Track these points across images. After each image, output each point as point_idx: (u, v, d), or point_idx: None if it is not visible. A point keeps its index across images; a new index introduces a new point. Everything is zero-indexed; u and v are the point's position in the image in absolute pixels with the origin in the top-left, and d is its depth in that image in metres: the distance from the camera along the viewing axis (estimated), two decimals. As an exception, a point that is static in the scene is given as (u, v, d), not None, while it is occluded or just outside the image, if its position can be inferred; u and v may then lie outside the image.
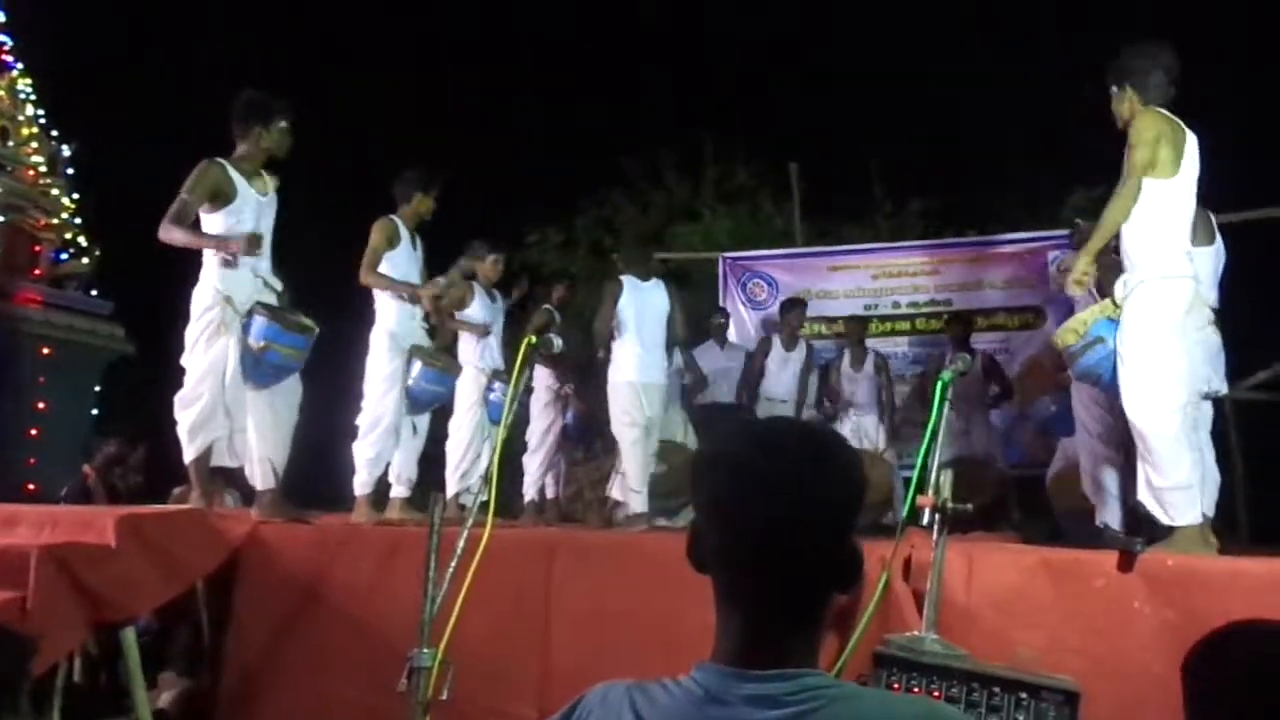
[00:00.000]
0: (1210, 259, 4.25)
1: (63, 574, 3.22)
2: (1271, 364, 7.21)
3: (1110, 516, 4.51)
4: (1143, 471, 3.68)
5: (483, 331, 6.05)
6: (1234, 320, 4.21)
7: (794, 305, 7.82)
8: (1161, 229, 3.70)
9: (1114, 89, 3.94)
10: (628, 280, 5.61)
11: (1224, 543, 3.75)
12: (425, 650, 2.74)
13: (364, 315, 5.22)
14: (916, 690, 2.63)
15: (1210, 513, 3.84)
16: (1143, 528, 4.00)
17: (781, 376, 7.64)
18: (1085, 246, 3.84)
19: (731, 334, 8.41)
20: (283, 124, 4.65)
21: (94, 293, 10.25)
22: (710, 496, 1.21)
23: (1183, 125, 3.77)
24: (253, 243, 4.46)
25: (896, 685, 2.66)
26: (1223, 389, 4.26)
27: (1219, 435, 4.20)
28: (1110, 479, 4.51)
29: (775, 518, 1.15)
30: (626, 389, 5.47)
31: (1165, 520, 3.61)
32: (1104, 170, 4.37)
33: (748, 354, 7.90)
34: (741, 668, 1.14)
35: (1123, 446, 4.27)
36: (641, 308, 5.57)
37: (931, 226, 11.27)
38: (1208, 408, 4.10)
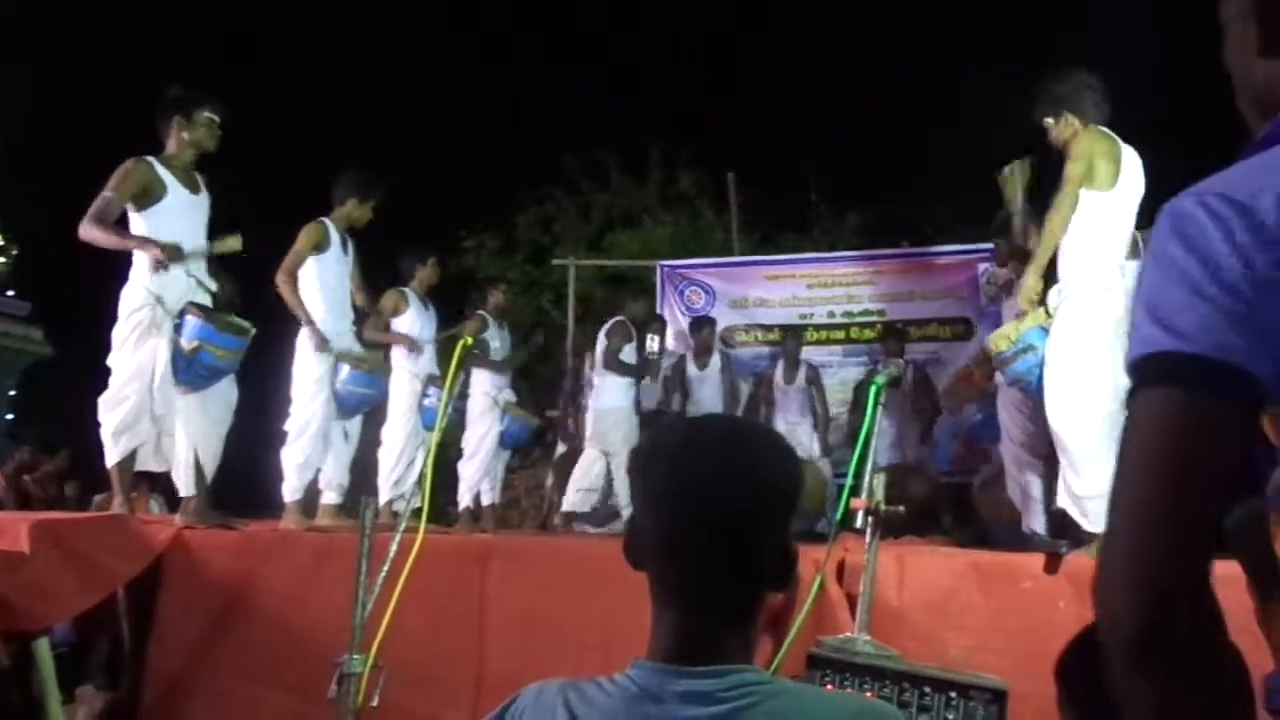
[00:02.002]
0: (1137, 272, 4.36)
1: (-28, 581, 3.11)
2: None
3: (1036, 523, 4.60)
4: (1065, 479, 3.77)
5: (410, 346, 5.97)
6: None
7: (703, 324, 7.95)
8: (1096, 241, 3.79)
9: (1048, 120, 4.02)
10: None
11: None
12: (356, 656, 2.70)
13: (294, 318, 5.12)
14: (849, 690, 2.64)
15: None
16: (1069, 533, 4.10)
17: (702, 392, 7.73)
18: (1031, 263, 3.92)
19: (670, 341, 8.45)
20: (207, 117, 4.52)
21: (10, 293, 9.94)
22: (646, 492, 1.22)
23: (1121, 142, 3.86)
24: (175, 253, 4.33)
25: (830, 685, 2.67)
26: None
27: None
28: (1035, 486, 4.59)
29: (710, 514, 1.15)
30: None
31: (1087, 527, 3.69)
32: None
33: (672, 367, 7.98)
34: (676, 665, 1.14)
35: (1046, 454, 4.36)
36: None
37: (867, 238, 11.45)
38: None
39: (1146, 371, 0.87)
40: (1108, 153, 3.80)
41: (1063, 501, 3.78)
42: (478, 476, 6.67)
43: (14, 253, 10.04)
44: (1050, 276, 3.99)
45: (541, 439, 8.86)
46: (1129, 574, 0.83)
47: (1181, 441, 0.84)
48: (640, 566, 1.22)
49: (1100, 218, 3.79)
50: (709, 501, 1.15)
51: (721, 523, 1.15)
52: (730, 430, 1.27)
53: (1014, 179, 4.54)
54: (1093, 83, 3.98)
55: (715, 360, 7.83)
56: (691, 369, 7.80)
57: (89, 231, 4.26)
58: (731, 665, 1.13)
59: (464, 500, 6.66)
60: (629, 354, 6.80)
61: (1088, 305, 3.74)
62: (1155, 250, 0.91)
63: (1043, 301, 3.98)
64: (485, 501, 6.81)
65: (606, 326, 6.98)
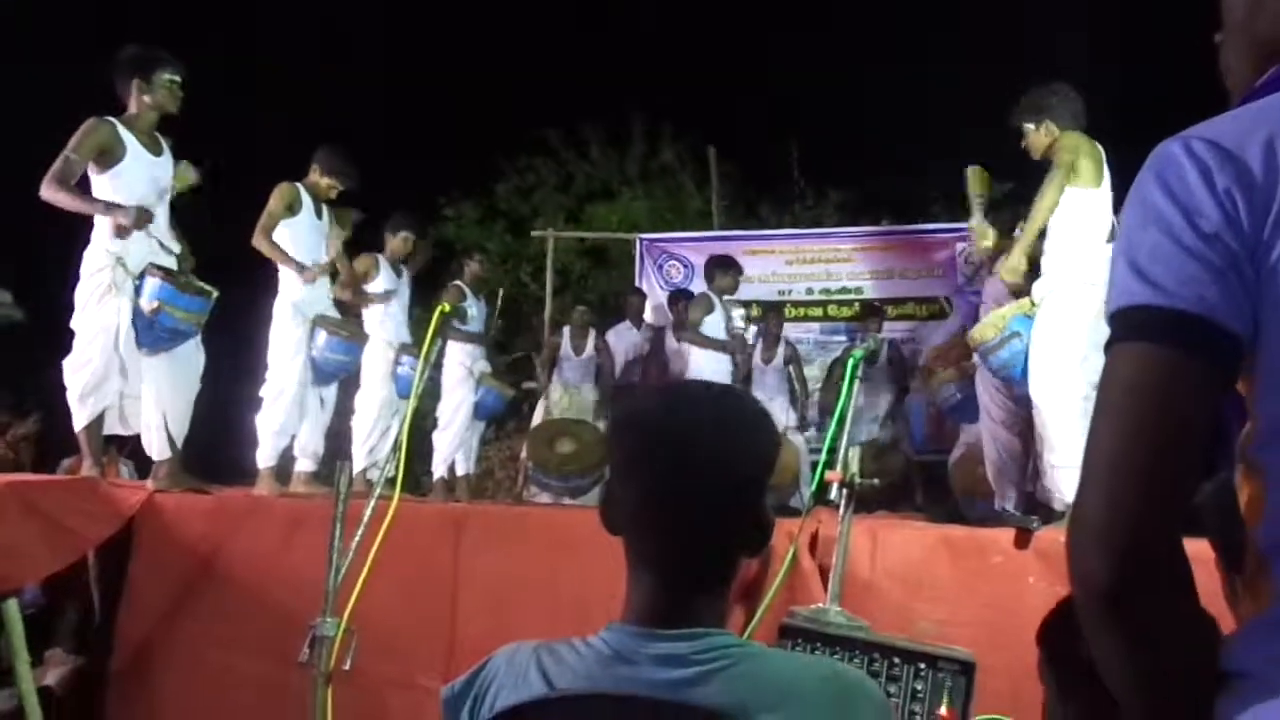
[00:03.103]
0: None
1: (-61, 541, 3.08)
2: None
3: (1009, 501, 4.66)
4: (1045, 455, 3.91)
5: (384, 299, 5.95)
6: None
7: (679, 297, 7.96)
8: (1083, 236, 3.97)
9: (1028, 125, 4.19)
10: None
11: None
12: (328, 619, 2.69)
13: (269, 283, 5.08)
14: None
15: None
16: (1039, 512, 4.17)
17: (678, 365, 7.72)
18: (1019, 242, 4.11)
19: (648, 314, 8.45)
20: (166, 77, 4.40)
21: (-22, 257, 9.78)
22: (623, 457, 1.22)
23: (1099, 145, 4.04)
24: (141, 217, 4.26)
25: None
26: None
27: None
28: (1011, 464, 4.65)
29: (686, 480, 1.15)
30: None
31: (1061, 499, 3.79)
32: (1010, 162, 4.55)
33: (649, 340, 7.98)
34: (650, 627, 1.14)
35: (1023, 433, 4.44)
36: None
37: (848, 215, 11.47)
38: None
39: (1124, 324, 0.87)
40: (1091, 152, 3.98)
41: (1042, 476, 3.91)
42: (452, 447, 6.64)
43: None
44: (1032, 267, 4.16)
45: (517, 411, 8.86)
46: (1103, 526, 0.83)
47: (1156, 397, 0.83)
48: (616, 531, 1.22)
49: (1086, 214, 3.98)
50: (685, 467, 1.15)
51: (697, 488, 1.15)
52: (707, 397, 1.26)
53: (973, 181, 4.69)
54: (1074, 95, 4.16)
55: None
56: (669, 342, 7.80)
57: (52, 193, 4.18)
58: (704, 629, 1.14)
59: (438, 470, 6.64)
60: (712, 327, 6.77)
61: (1074, 298, 3.90)
62: (1137, 194, 0.90)
63: (1027, 291, 4.10)
64: (460, 472, 6.79)
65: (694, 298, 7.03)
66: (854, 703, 1.11)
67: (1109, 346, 0.88)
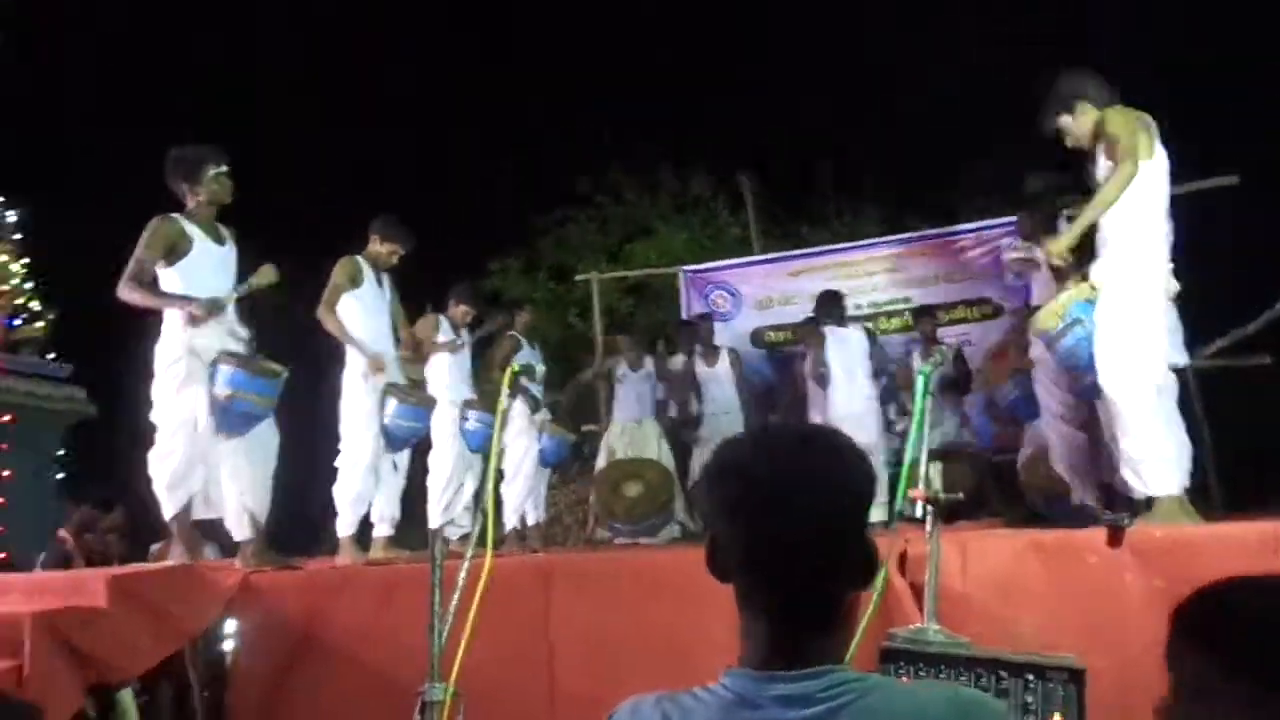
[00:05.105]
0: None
1: (57, 639, 3.17)
2: (1227, 331, 7.39)
3: (1086, 495, 4.61)
4: (1121, 446, 3.80)
5: (453, 347, 6.07)
6: (1186, 289, 4.34)
7: (702, 320, 8.11)
8: (1142, 212, 3.83)
9: (1064, 117, 4.08)
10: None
11: (1199, 511, 3.84)
12: (436, 684, 2.74)
13: (337, 355, 5.19)
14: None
15: (1186, 483, 3.94)
16: (1118, 503, 4.11)
17: (714, 391, 7.79)
18: (1073, 225, 3.96)
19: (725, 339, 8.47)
20: (213, 173, 4.53)
21: (51, 356, 10.11)
22: (723, 506, 1.24)
23: (1145, 115, 3.91)
24: (214, 306, 4.39)
25: (905, 677, 2.69)
26: (1184, 360, 4.38)
27: (1184, 406, 4.32)
28: (1080, 458, 4.60)
29: (788, 524, 1.17)
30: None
31: (1145, 491, 3.73)
32: (1051, 155, 4.53)
33: (680, 374, 8.02)
34: (770, 670, 1.16)
35: (1089, 425, 4.38)
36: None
37: (885, 226, 11.42)
38: (1174, 379, 4.22)
39: None
40: (1141, 125, 3.85)
41: (1121, 468, 3.82)
42: (521, 497, 6.71)
43: (51, 317, 10.21)
44: (1084, 249, 4.02)
45: (579, 454, 8.91)
46: None
47: None
48: (725, 579, 1.24)
49: (1145, 188, 3.82)
50: (785, 512, 1.17)
51: (800, 531, 1.17)
52: (798, 438, 1.28)
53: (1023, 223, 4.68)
54: (1091, 72, 4.06)
55: (724, 358, 7.88)
56: (701, 367, 7.85)
57: (128, 293, 4.33)
58: (825, 667, 1.16)
59: (510, 521, 6.69)
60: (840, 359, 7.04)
61: (1139, 276, 3.79)
62: None
63: (1083, 275, 4.01)
64: (530, 520, 6.86)
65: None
66: None
67: None
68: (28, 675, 3.01)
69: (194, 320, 4.35)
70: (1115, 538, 3.15)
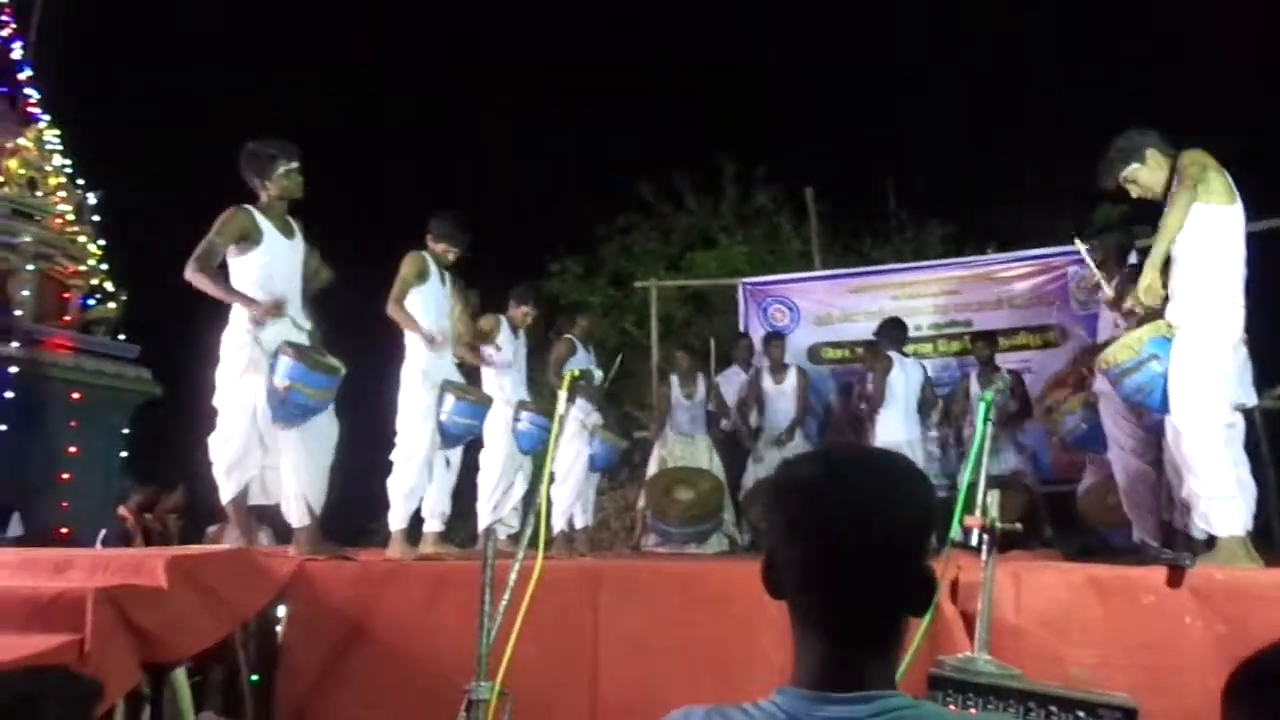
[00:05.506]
0: None
1: (118, 616, 3.23)
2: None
3: (1146, 531, 4.53)
4: (1187, 482, 3.76)
5: (502, 363, 6.13)
6: (1255, 329, 4.26)
7: (774, 338, 8.11)
8: (1221, 255, 3.83)
9: (1132, 166, 4.08)
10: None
11: (1261, 554, 3.76)
12: (483, 683, 2.76)
13: (397, 350, 5.27)
14: (974, 710, 2.63)
15: (1249, 524, 3.86)
16: (1178, 540, 4.04)
17: (778, 406, 7.79)
18: (1150, 259, 3.93)
19: (755, 359, 8.47)
20: (282, 168, 4.60)
21: (121, 337, 10.38)
22: (785, 524, 1.23)
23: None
24: (277, 309, 4.46)
25: (953, 706, 2.66)
26: (1252, 401, 4.29)
27: (1249, 446, 4.23)
28: (1146, 493, 4.53)
29: (850, 546, 1.17)
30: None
31: (1209, 531, 3.68)
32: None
33: (743, 388, 8.04)
34: (822, 690, 1.16)
35: (1157, 460, 4.30)
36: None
37: (951, 246, 11.30)
38: (1242, 420, 4.13)
39: None
40: (1217, 168, 3.84)
41: (1185, 507, 3.77)
42: (570, 500, 6.75)
43: (122, 298, 10.49)
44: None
45: (629, 460, 8.94)
46: None
47: None
48: (780, 596, 1.24)
49: (1222, 232, 3.83)
50: (849, 533, 1.17)
51: (862, 554, 1.17)
52: (865, 461, 1.29)
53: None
54: (1148, 128, 4.08)
55: (791, 375, 7.87)
56: (768, 383, 7.86)
57: (196, 277, 4.40)
58: (877, 691, 1.15)
59: (558, 524, 6.73)
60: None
61: (1216, 319, 3.80)
62: None
63: (1148, 309, 3.97)
64: (578, 524, 6.89)
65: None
66: None
67: None
68: (89, 650, 3.08)
69: (257, 323, 4.44)
70: (1175, 578, 3.09)
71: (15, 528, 5.86)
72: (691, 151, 12.97)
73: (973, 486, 2.91)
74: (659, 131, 13.89)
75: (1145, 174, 4.06)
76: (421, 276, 5.21)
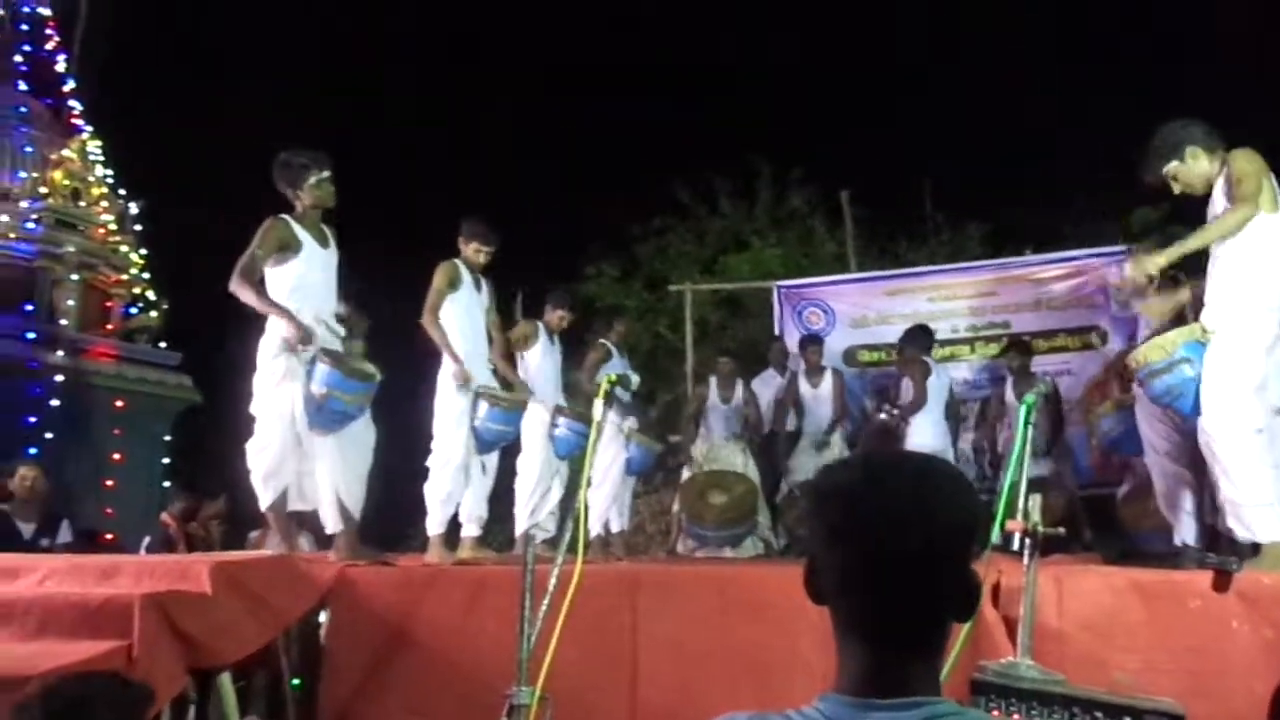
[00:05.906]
0: None
1: (165, 621, 3.28)
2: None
3: (1188, 534, 4.46)
4: (1224, 489, 3.70)
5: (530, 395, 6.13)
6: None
7: (811, 341, 8.04)
8: (1263, 263, 3.75)
9: (1174, 164, 3.98)
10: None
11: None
12: (524, 688, 2.78)
13: (434, 357, 5.31)
14: (1016, 716, 2.61)
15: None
16: (1221, 544, 3.98)
17: (815, 409, 7.78)
18: (1168, 249, 3.87)
19: (791, 362, 8.44)
20: (313, 179, 4.64)
21: (162, 345, 10.55)
22: (824, 530, 1.23)
23: None
24: (305, 339, 4.48)
25: (996, 711, 2.65)
26: None
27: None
28: (1185, 496, 4.46)
29: (893, 552, 1.16)
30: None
31: (1249, 537, 3.61)
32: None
33: (780, 391, 8.02)
34: (865, 697, 1.15)
35: (1193, 463, 4.24)
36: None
37: (988, 247, 11.20)
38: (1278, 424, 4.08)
39: None
40: (1268, 172, 3.77)
41: (1223, 513, 3.70)
42: (606, 504, 6.76)
43: (164, 307, 10.66)
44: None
45: (664, 464, 8.94)
46: None
47: None
48: (821, 601, 1.23)
49: (1266, 240, 3.75)
50: (891, 539, 1.16)
51: (905, 560, 1.16)
52: (908, 467, 1.27)
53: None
54: (1199, 120, 3.97)
55: (827, 377, 7.85)
56: (805, 386, 7.85)
57: (240, 289, 4.47)
58: (921, 697, 1.15)
59: (594, 528, 6.73)
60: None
61: (1253, 325, 3.72)
62: None
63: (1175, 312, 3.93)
64: (614, 529, 6.90)
65: None
66: None
67: None
68: (137, 656, 3.13)
69: (289, 346, 4.48)
70: (1222, 582, 3.05)
71: (65, 534, 5.98)
72: (727, 154, 12.97)
73: (1013, 488, 2.90)
74: (694, 133, 13.90)
75: (1185, 171, 3.98)
76: (454, 284, 5.25)
